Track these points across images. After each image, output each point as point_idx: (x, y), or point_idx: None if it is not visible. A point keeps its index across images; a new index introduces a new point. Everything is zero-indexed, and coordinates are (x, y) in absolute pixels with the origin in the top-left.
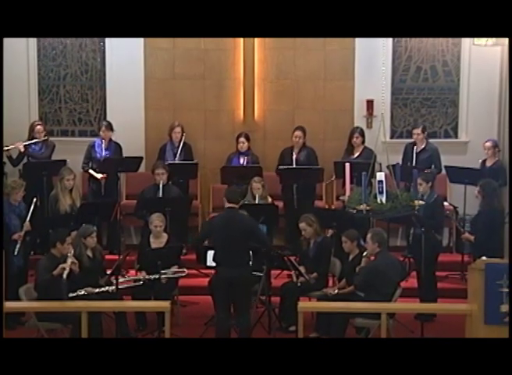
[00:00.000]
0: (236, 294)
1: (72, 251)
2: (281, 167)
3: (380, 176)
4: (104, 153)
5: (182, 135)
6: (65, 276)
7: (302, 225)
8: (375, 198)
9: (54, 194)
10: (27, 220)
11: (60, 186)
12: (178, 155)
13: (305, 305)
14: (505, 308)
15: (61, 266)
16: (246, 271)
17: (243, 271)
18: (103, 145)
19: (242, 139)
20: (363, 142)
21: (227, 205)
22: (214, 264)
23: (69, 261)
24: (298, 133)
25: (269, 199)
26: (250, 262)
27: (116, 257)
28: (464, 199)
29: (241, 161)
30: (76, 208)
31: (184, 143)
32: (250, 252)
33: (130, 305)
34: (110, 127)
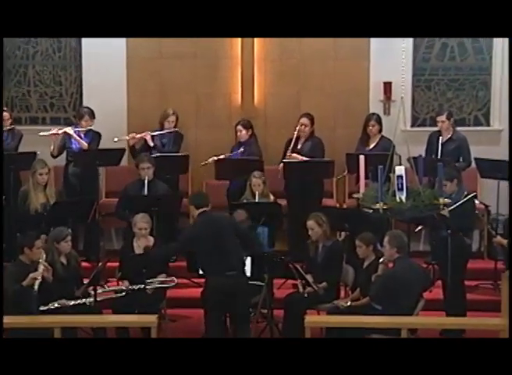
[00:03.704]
0: (234, 306)
1: (44, 257)
2: (285, 160)
3: (399, 170)
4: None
5: (176, 125)
6: (36, 287)
7: (310, 223)
8: (394, 195)
9: (24, 190)
10: None
11: (32, 181)
12: (165, 145)
13: (313, 319)
14: None
15: (31, 275)
16: (240, 277)
17: (236, 277)
18: (81, 134)
19: (239, 127)
20: (380, 131)
21: (197, 211)
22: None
23: (41, 268)
24: (304, 120)
25: (271, 197)
26: (247, 269)
27: (95, 264)
28: (496, 197)
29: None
30: (49, 207)
31: (176, 132)
32: (249, 259)
33: (111, 319)
34: (92, 115)
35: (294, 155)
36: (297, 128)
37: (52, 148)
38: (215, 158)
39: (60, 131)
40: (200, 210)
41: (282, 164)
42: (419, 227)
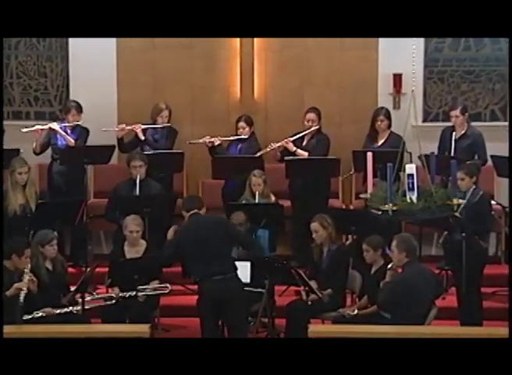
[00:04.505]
0: (228, 313)
1: (29, 266)
2: (287, 158)
3: (410, 168)
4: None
5: (169, 120)
6: (22, 298)
7: (314, 225)
8: (404, 195)
9: (2, 190)
10: None
11: (10, 180)
12: (158, 141)
13: (317, 328)
14: None
15: (16, 285)
16: (231, 281)
17: (226, 282)
18: (67, 130)
19: (242, 124)
20: (389, 127)
21: (188, 214)
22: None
23: (26, 278)
24: (311, 116)
25: (272, 198)
26: (244, 274)
27: (82, 270)
28: None
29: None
30: (28, 209)
31: (169, 127)
32: (248, 263)
33: (100, 329)
34: (80, 109)
35: (291, 144)
36: (310, 126)
37: (35, 144)
38: (209, 138)
39: (44, 127)
40: (191, 212)
41: (271, 145)
42: (445, 233)
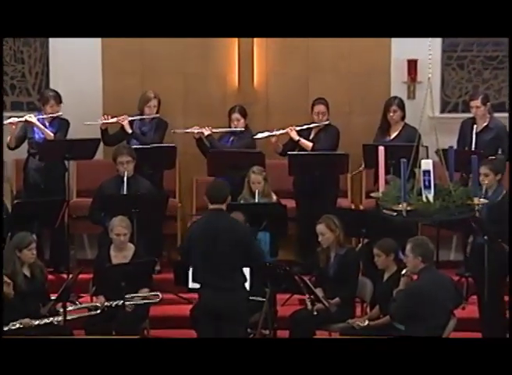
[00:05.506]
0: (225, 330)
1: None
2: (290, 152)
3: (426, 164)
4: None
5: (158, 111)
6: None
7: (320, 227)
8: (420, 194)
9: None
10: None
11: None
12: (146, 134)
13: None
14: None
15: None
16: (239, 297)
17: (234, 296)
18: (45, 122)
19: (236, 115)
20: (403, 118)
21: (210, 206)
22: (197, 286)
23: None
24: (321, 108)
25: (273, 197)
26: (247, 285)
27: (64, 276)
28: None
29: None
30: (4, 209)
31: (159, 119)
32: (248, 270)
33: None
34: (59, 100)
35: (295, 132)
36: (321, 120)
37: (9, 138)
38: (198, 128)
39: (20, 120)
40: (213, 206)
41: (274, 131)
42: (470, 239)
